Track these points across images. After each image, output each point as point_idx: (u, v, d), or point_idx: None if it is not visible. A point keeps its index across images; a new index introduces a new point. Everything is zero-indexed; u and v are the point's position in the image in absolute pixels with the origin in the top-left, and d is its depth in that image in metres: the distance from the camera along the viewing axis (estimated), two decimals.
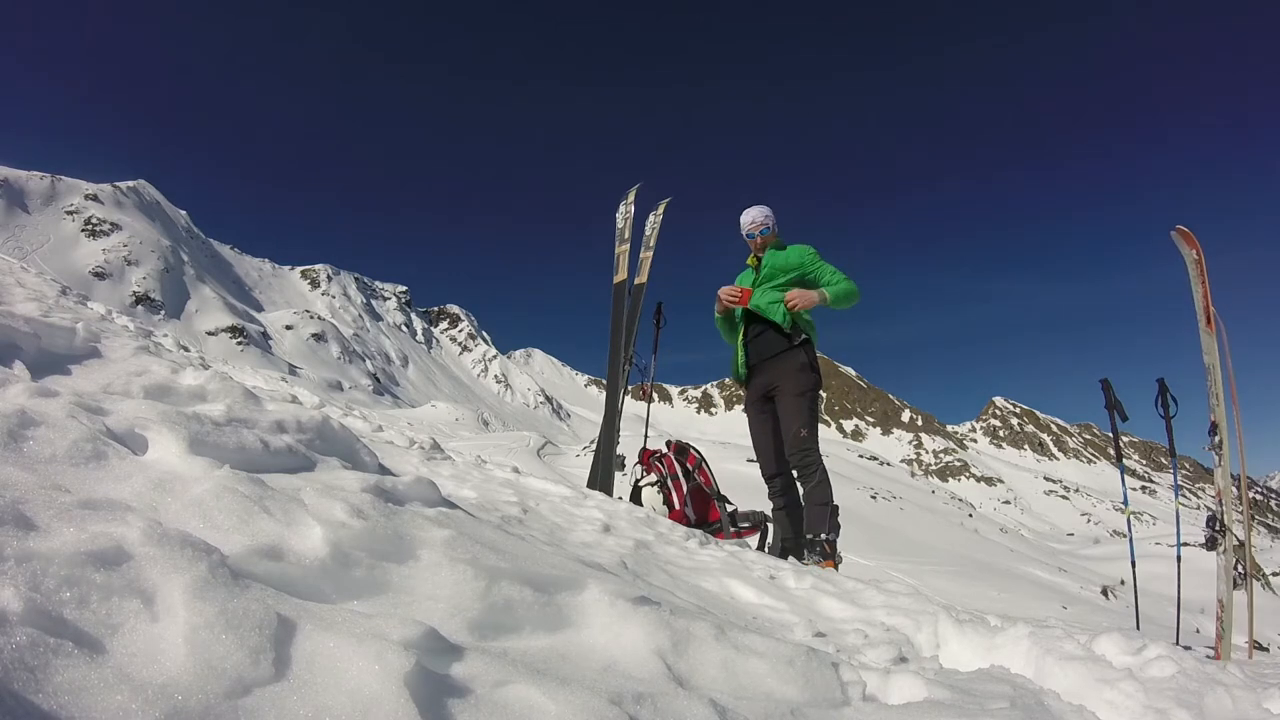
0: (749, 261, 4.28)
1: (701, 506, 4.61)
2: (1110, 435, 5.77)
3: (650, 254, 6.12)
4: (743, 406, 4.38)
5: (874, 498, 28.95)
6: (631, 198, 6.18)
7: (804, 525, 3.92)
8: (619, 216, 6.16)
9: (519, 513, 2.77)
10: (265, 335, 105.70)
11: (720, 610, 2.02)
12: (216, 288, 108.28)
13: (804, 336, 4.04)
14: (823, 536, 3.82)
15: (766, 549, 4.27)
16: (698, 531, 3.59)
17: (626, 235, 6.08)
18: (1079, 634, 2.12)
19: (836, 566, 3.76)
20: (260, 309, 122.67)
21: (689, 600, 2.01)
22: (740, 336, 4.21)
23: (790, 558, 3.77)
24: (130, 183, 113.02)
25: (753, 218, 4.20)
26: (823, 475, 3.92)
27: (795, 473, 3.99)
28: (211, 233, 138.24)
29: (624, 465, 5.46)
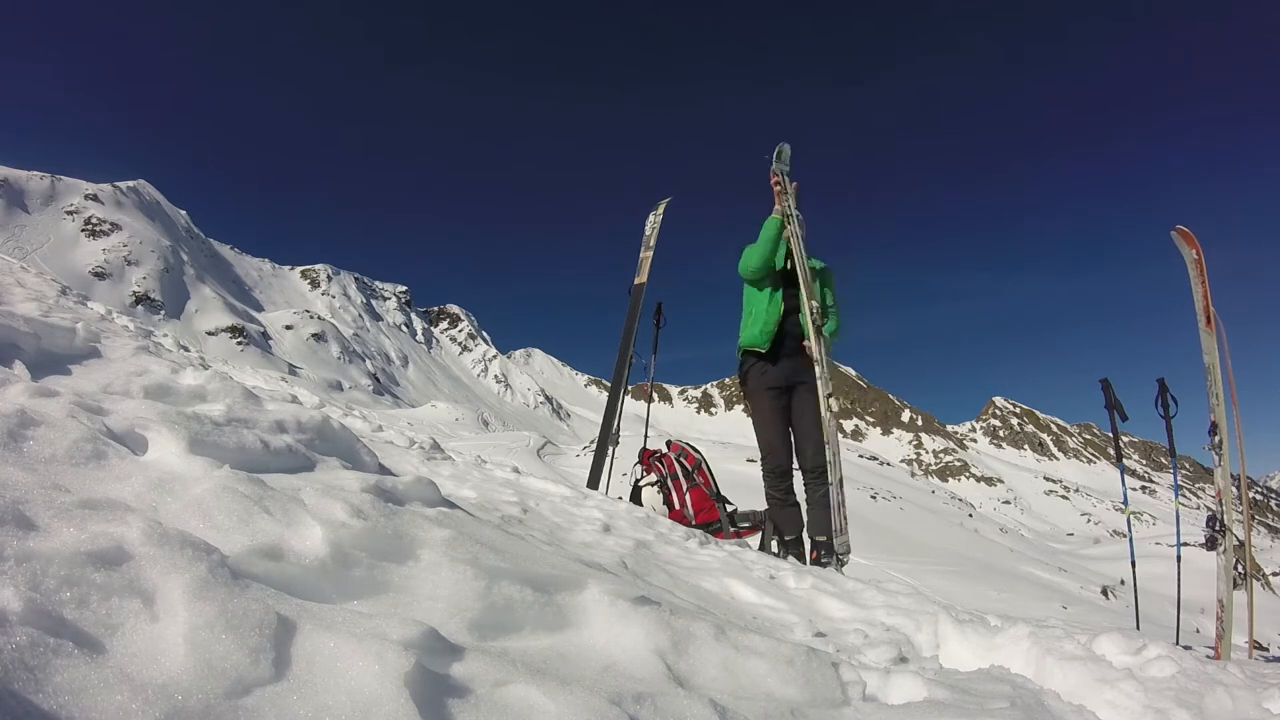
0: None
1: (701, 506, 4.61)
2: (1110, 435, 5.77)
3: (650, 254, 6.12)
4: (744, 395, 4.18)
5: (874, 498, 28.94)
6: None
7: (813, 527, 3.90)
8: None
9: (519, 513, 2.77)
10: (265, 335, 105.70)
11: (720, 610, 2.02)
12: (216, 288, 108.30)
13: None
14: (829, 539, 3.82)
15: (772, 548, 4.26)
16: (698, 531, 3.59)
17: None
18: (1079, 634, 2.12)
19: (841, 569, 3.76)
20: (260, 309, 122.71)
21: (689, 600, 2.01)
22: (779, 306, 4.03)
23: (790, 557, 3.77)
24: (130, 183, 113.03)
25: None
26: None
27: (811, 474, 3.93)
28: (211, 233, 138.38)
29: (619, 440, 5.47)
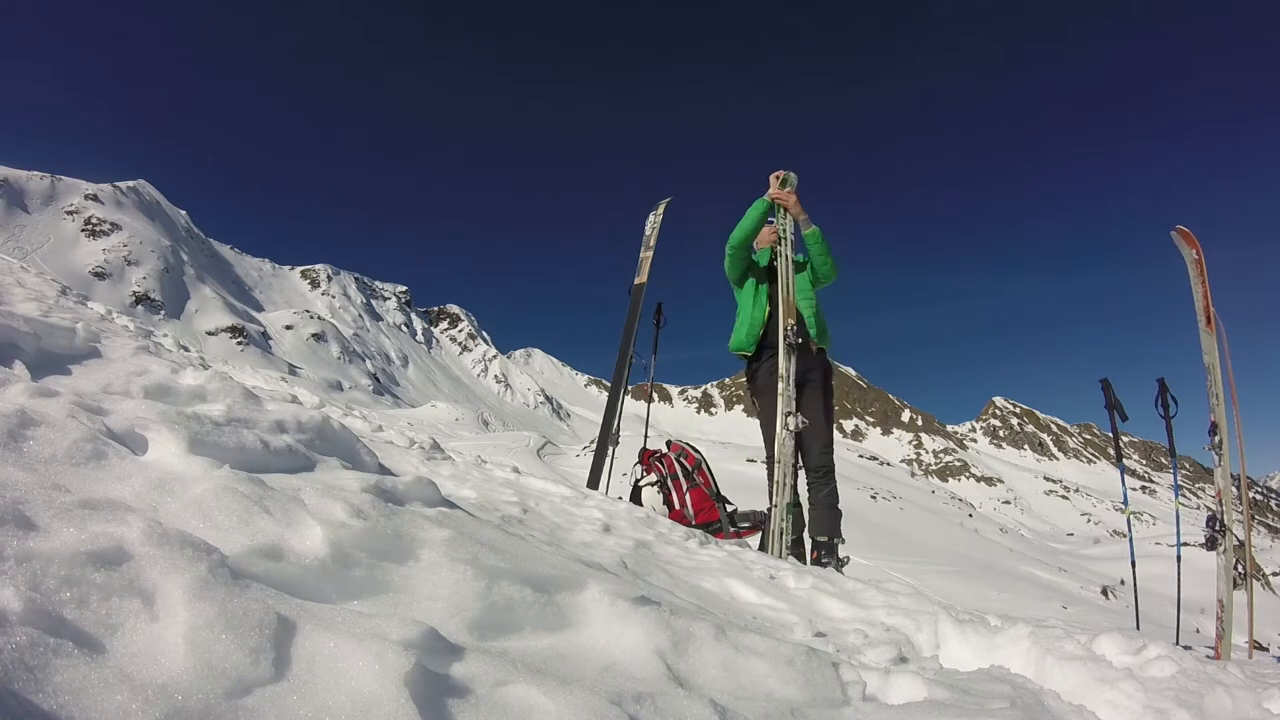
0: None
1: (701, 506, 4.60)
2: (1110, 435, 5.78)
3: (650, 254, 6.12)
4: (751, 393, 4.21)
5: (874, 498, 28.95)
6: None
7: (814, 527, 3.91)
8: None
9: (519, 513, 2.77)
10: (265, 335, 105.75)
11: (720, 610, 2.02)
12: (216, 288, 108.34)
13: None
14: (836, 541, 3.84)
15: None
16: (698, 531, 3.59)
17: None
18: (1079, 634, 2.12)
19: (842, 569, 3.77)
20: (260, 309, 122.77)
21: (689, 600, 2.01)
22: (764, 308, 4.14)
23: (790, 557, 3.77)
24: (130, 183, 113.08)
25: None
26: (835, 479, 3.95)
27: (815, 473, 3.94)
28: (211, 233, 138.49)
29: (619, 440, 5.48)
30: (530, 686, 0.94)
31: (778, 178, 4.18)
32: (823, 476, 3.91)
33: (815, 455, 3.93)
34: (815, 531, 3.89)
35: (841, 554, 3.92)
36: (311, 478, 1.67)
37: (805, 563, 3.79)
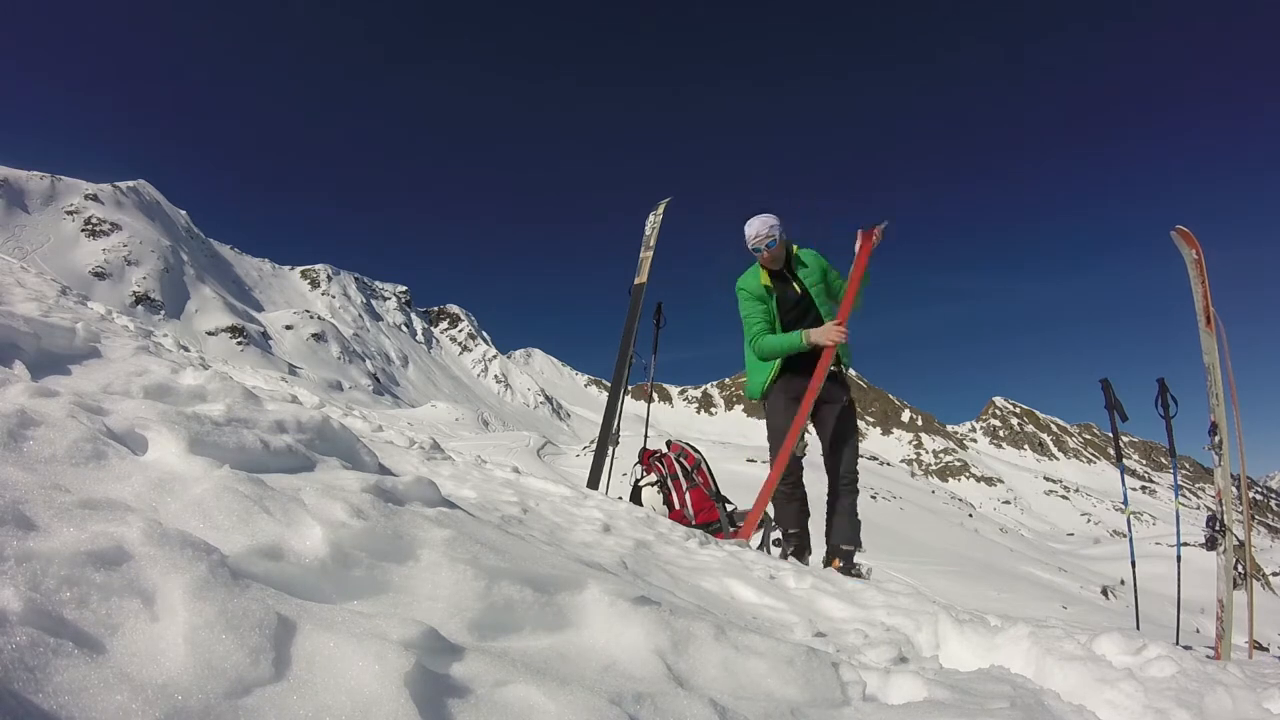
0: (764, 282, 3.99)
1: (701, 506, 4.60)
2: (1110, 435, 5.78)
3: (650, 254, 6.12)
4: (762, 398, 4.13)
5: (874, 498, 28.93)
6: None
7: (836, 535, 3.99)
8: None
9: (519, 513, 2.77)
10: (265, 335, 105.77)
11: (720, 610, 2.02)
12: (216, 288, 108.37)
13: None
14: (854, 550, 3.91)
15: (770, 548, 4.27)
16: (698, 531, 3.59)
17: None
18: (1079, 634, 2.12)
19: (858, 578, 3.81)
20: (260, 309, 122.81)
21: (689, 600, 2.00)
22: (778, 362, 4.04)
23: (792, 558, 3.78)
24: (130, 183, 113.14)
25: (756, 230, 3.93)
26: (858, 488, 4.06)
27: (843, 480, 4.02)
28: (211, 233, 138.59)
29: (619, 440, 5.49)
30: (530, 686, 0.94)
31: (869, 237, 4.08)
32: (849, 484, 4.00)
33: (845, 460, 4.01)
34: (838, 539, 3.96)
35: (861, 562, 3.99)
36: (311, 478, 1.67)
37: (804, 560, 3.81)
